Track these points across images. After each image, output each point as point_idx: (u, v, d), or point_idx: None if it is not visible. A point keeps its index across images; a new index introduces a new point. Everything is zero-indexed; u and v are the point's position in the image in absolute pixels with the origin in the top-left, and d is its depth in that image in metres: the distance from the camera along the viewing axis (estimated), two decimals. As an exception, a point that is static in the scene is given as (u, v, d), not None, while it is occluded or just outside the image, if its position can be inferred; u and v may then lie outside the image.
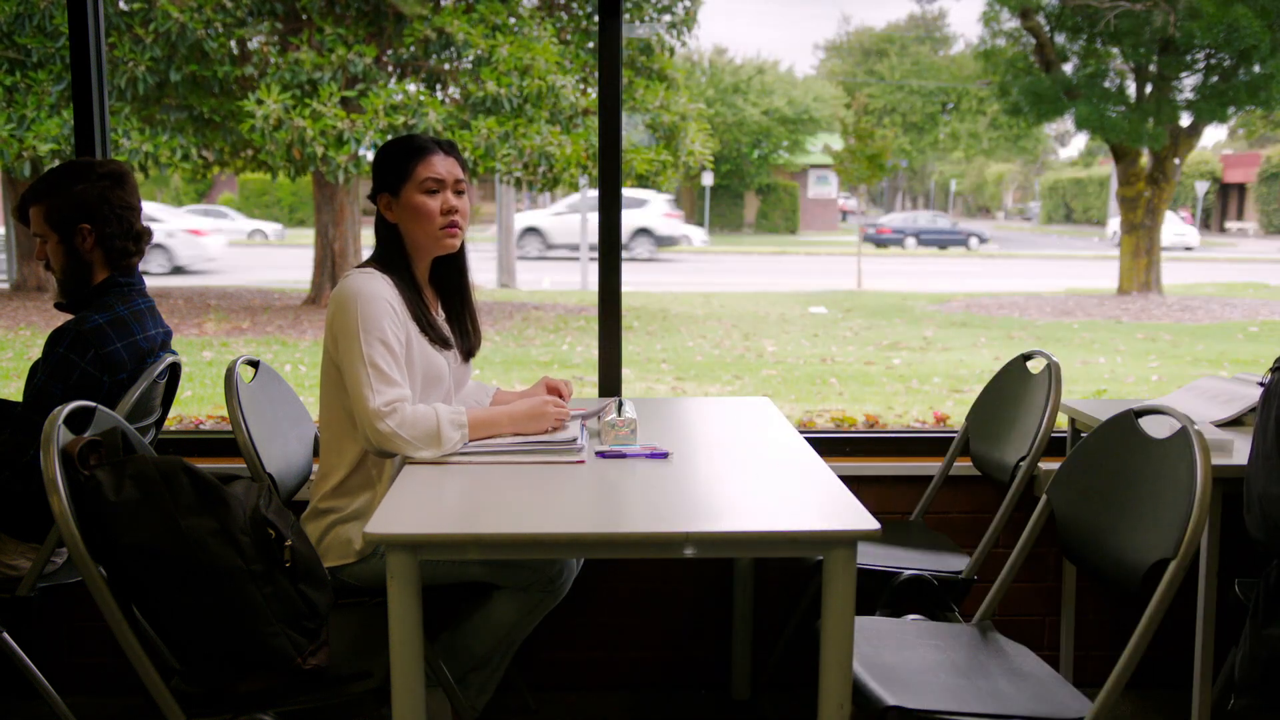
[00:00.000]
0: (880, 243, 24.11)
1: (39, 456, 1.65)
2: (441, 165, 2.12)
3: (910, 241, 24.12)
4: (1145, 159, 13.13)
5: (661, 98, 10.25)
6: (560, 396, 2.32)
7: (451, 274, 2.25)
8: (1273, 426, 1.90)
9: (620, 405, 2.23)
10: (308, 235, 17.80)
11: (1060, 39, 13.02)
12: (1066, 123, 17.42)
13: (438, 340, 2.14)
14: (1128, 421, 1.90)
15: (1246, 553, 2.12)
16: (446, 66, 9.89)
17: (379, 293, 2.04)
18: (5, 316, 10.77)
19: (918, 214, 27.83)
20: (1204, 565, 2.24)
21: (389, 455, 2.03)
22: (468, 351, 2.28)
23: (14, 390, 5.24)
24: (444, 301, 2.26)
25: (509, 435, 2.09)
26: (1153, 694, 2.78)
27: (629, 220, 20.12)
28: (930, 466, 2.75)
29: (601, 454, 2.04)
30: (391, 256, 2.14)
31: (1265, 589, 1.96)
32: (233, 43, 9.29)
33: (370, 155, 9.19)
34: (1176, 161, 13.21)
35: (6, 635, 2.19)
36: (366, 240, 11.84)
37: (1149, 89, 12.94)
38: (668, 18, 10.95)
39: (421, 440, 1.97)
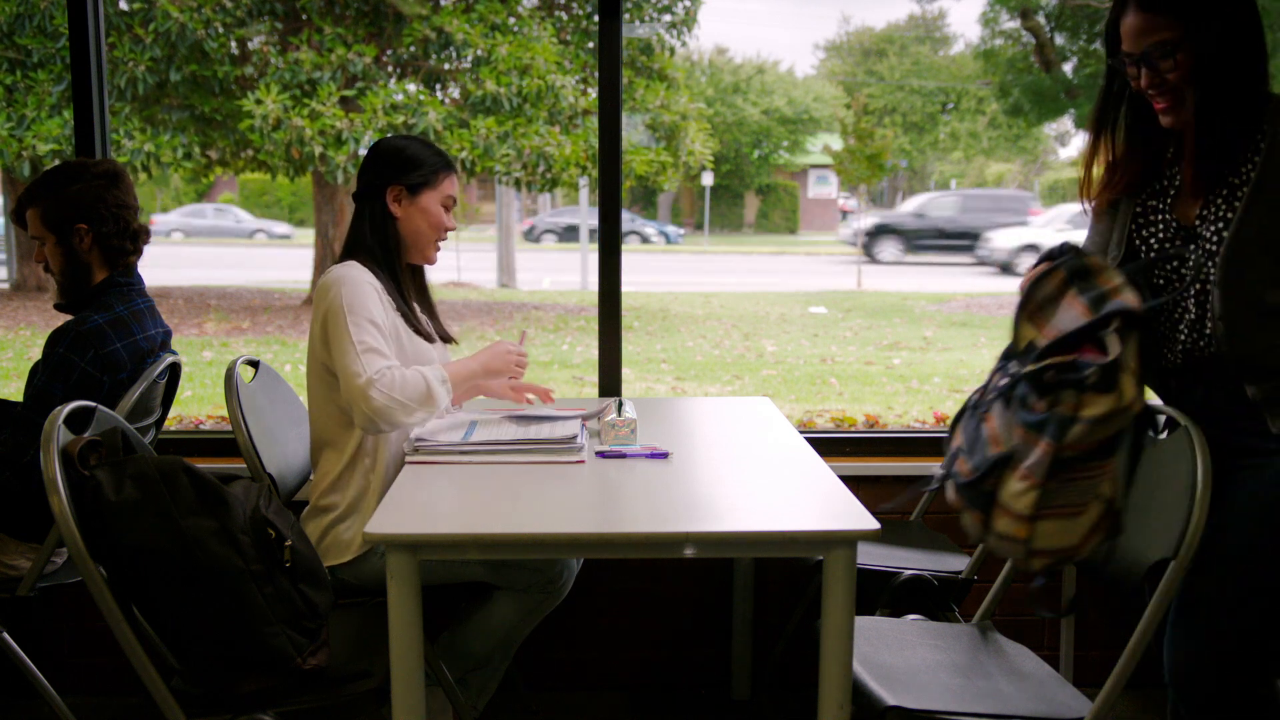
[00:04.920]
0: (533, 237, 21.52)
1: (39, 456, 1.65)
2: (455, 188, 2.24)
3: (550, 238, 21.27)
4: (1145, 159, 13.11)
5: (661, 98, 10.25)
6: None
7: (414, 271, 2.31)
8: None
9: (620, 405, 2.23)
10: (308, 235, 17.79)
11: (1060, 39, 13.02)
12: (1066, 123, 17.43)
13: (421, 333, 2.20)
14: (1128, 421, 1.89)
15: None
16: (446, 66, 9.88)
17: (364, 279, 2.09)
18: (5, 316, 10.77)
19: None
20: (1204, 565, 2.23)
21: (385, 431, 2.02)
22: (445, 339, 2.35)
23: (14, 390, 5.24)
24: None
25: (484, 381, 2.20)
26: (1153, 694, 2.77)
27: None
28: (930, 466, 2.75)
29: (601, 454, 2.04)
30: (382, 249, 2.18)
31: None
32: (233, 43, 9.28)
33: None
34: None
35: (6, 635, 2.19)
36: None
37: (1149, 89, 12.92)
38: (668, 18, 10.94)
39: (415, 400, 1.99)
